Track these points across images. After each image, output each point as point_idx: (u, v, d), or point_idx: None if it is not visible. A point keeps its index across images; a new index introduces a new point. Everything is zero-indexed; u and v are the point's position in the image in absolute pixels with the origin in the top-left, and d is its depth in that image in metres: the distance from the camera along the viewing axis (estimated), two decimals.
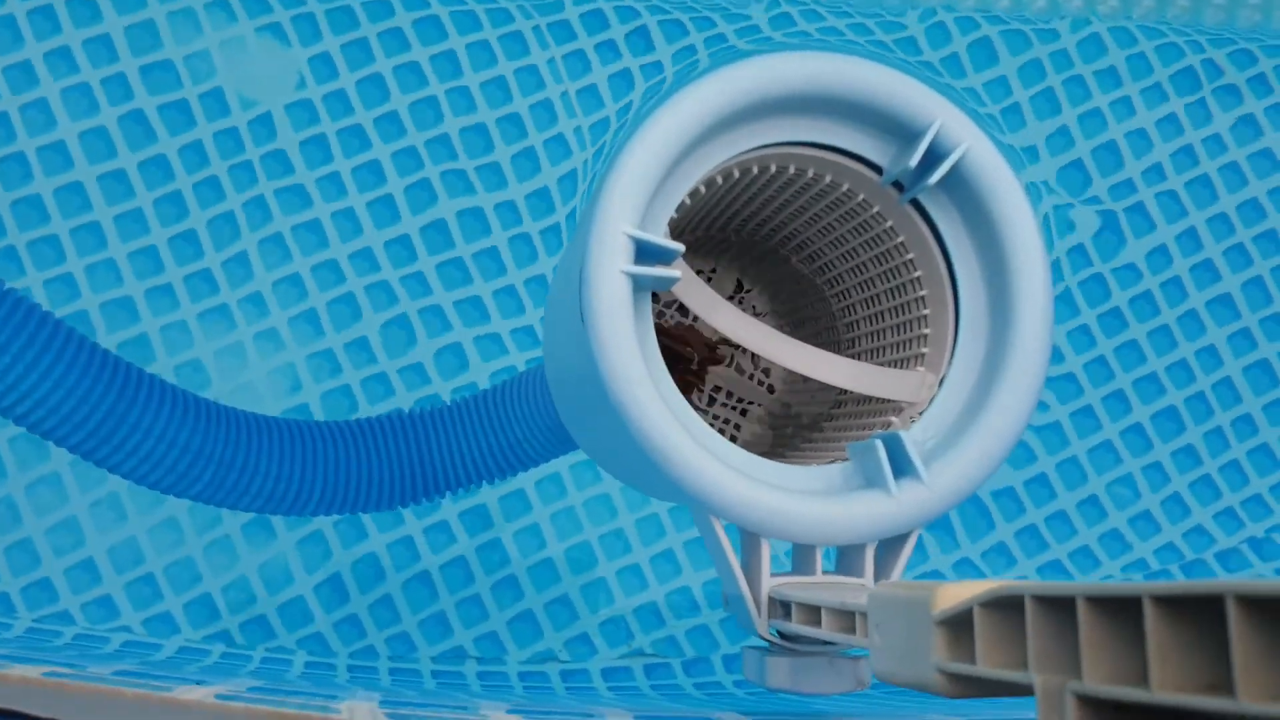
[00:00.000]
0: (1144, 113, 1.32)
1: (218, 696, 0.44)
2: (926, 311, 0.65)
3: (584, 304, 0.58)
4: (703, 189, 0.65)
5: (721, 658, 1.10)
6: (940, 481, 0.58)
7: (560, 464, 1.14)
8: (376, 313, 1.17)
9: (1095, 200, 1.30)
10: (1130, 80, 1.33)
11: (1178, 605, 0.27)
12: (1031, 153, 1.30)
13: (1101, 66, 1.32)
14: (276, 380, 1.14)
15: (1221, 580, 0.26)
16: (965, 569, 1.18)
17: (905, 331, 0.67)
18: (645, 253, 0.59)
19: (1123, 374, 1.25)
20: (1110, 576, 1.18)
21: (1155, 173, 1.31)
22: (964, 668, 0.38)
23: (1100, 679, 0.30)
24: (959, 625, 0.39)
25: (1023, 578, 1.18)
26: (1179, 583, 0.27)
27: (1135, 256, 1.28)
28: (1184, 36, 1.34)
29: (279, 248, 1.18)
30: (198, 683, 0.53)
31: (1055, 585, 0.33)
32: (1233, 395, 1.27)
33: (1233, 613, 0.25)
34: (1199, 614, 0.27)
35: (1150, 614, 0.28)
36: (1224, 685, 0.27)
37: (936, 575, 1.16)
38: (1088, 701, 0.31)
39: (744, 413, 0.79)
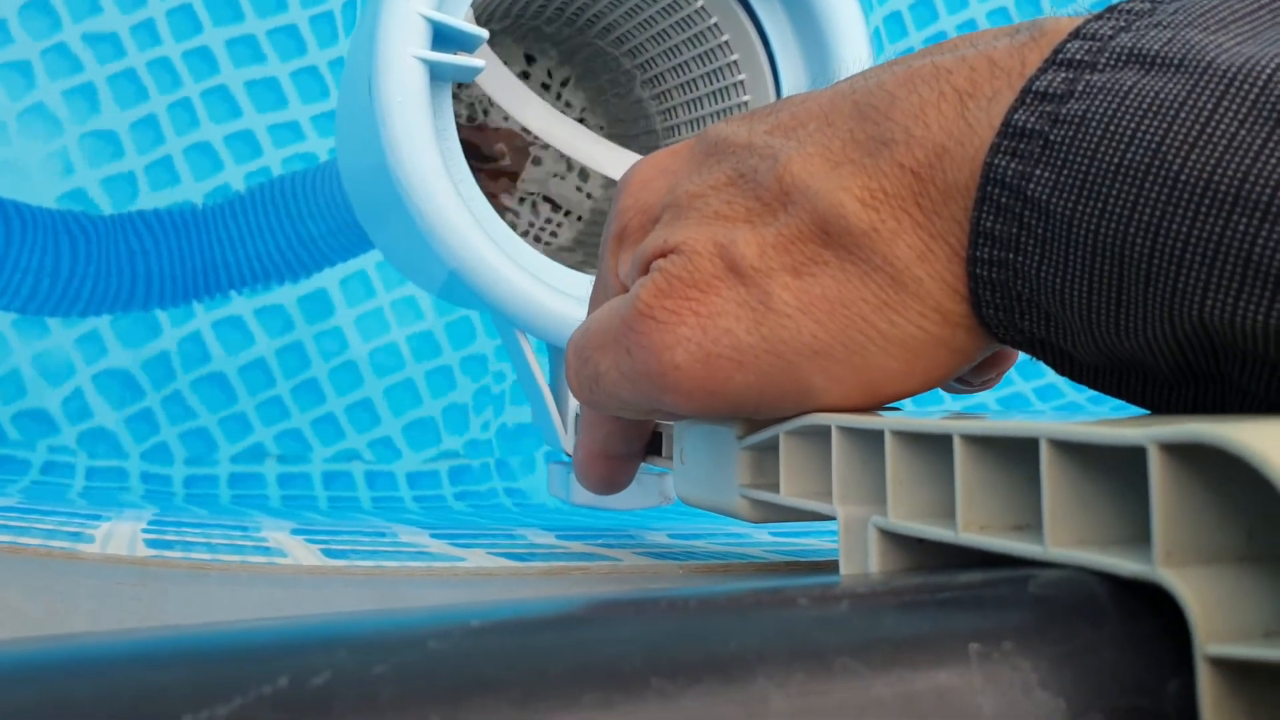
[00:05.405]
0: None
1: None
2: None
3: (373, 93, 0.52)
4: None
5: (536, 460, 1.09)
6: None
7: (365, 261, 1.08)
8: (162, 91, 1.07)
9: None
10: None
11: (989, 445, 0.27)
12: None
13: None
14: (51, 162, 1.04)
15: (1036, 422, 0.25)
16: None
17: None
18: (443, 38, 0.53)
19: None
20: None
21: None
22: (767, 495, 0.37)
23: (904, 515, 0.30)
24: (765, 452, 0.38)
25: None
26: (991, 423, 0.26)
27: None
28: None
29: (46, 13, 1.05)
30: None
31: (863, 418, 0.32)
32: None
33: (1045, 456, 0.25)
34: (1010, 455, 0.26)
35: (960, 453, 0.27)
36: (1029, 527, 0.27)
37: None
38: (890, 536, 0.30)
39: (560, 225, 0.75)
